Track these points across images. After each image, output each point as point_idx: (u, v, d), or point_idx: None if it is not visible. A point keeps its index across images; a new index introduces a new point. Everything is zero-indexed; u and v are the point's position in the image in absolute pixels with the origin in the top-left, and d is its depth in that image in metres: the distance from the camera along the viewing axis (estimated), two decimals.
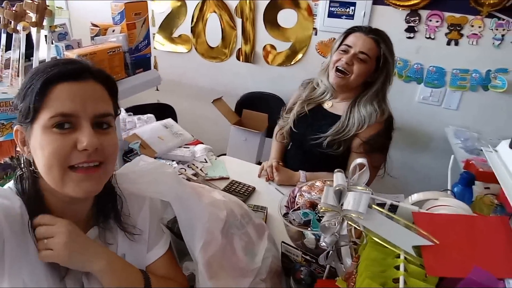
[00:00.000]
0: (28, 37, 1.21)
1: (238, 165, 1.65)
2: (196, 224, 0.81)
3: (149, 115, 1.73)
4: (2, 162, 1.11)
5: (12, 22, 1.17)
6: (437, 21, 2.07)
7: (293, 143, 1.61)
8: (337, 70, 1.39)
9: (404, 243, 0.58)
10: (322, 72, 1.51)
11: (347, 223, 0.68)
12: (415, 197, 0.75)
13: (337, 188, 0.69)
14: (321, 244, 0.75)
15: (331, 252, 0.77)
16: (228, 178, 1.49)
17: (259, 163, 1.63)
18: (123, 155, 1.45)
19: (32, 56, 1.15)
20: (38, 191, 0.66)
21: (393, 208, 0.70)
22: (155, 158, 1.48)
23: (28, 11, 1.14)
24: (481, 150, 1.88)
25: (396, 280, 0.54)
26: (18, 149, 0.68)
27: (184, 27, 2.79)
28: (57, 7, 1.12)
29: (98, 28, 1.30)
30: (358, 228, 0.67)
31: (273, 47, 2.58)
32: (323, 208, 0.70)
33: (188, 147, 1.61)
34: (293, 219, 0.99)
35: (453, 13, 2.03)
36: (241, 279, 0.81)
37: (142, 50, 1.37)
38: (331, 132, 1.40)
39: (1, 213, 0.60)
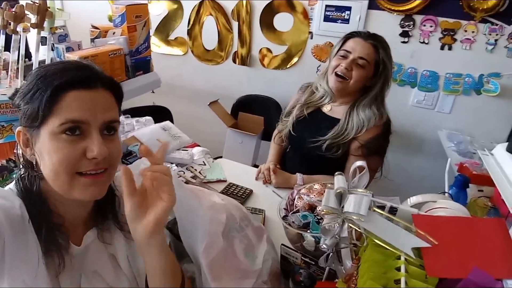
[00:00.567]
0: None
1: (235, 167, 1.65)
2: (197, 227, 0.81)
3: (147, 117, 1.72)
4: (0, 164, 1.11)
5: (12, 23, 1.16)
6: (431, 26, 2.11)
7: (292, 146, 1.62)
8: (337, 75, 1.40)
9: (404, 245, 0.59)
10: (321, 77, 1.52)
11: (348, 225, 0.69)
12: (413, 199, 0.76)
13: (338, 190, 0.70)
14: (322, 246, 0.76)
15: (331, 254, 0.78)
16: (226, 181, 1.49)
17: (255, 166, 1.63)
18: (122, 157, 1.44)
19: (27, 57, 1.14)
20: (39, 193, 0.66)
21: (393, 211, 0.71)
22: None
23: (28, 13, 1.13)
24: (474, 153, 1.92)
25: (398, 281, 0.55)
26: (17, 150, 0.69)
27: (180, 30, 2.79)
28: (57, 8, 1.11)
29: (99, 30, 1.29)
30: (359, 230, 0.68)
31: (269, 50, 2.59)
32: (324, 210, 0.71)
33: (187, 150, 1.62)
34: (292, 222, 1.00)
35: (447, 18, 2.06)
36: (243, 280, 0.82)
37: (143, 53, 1.36)
38: (330, 135, 1.42)
39: (2, 213, 0.60)
